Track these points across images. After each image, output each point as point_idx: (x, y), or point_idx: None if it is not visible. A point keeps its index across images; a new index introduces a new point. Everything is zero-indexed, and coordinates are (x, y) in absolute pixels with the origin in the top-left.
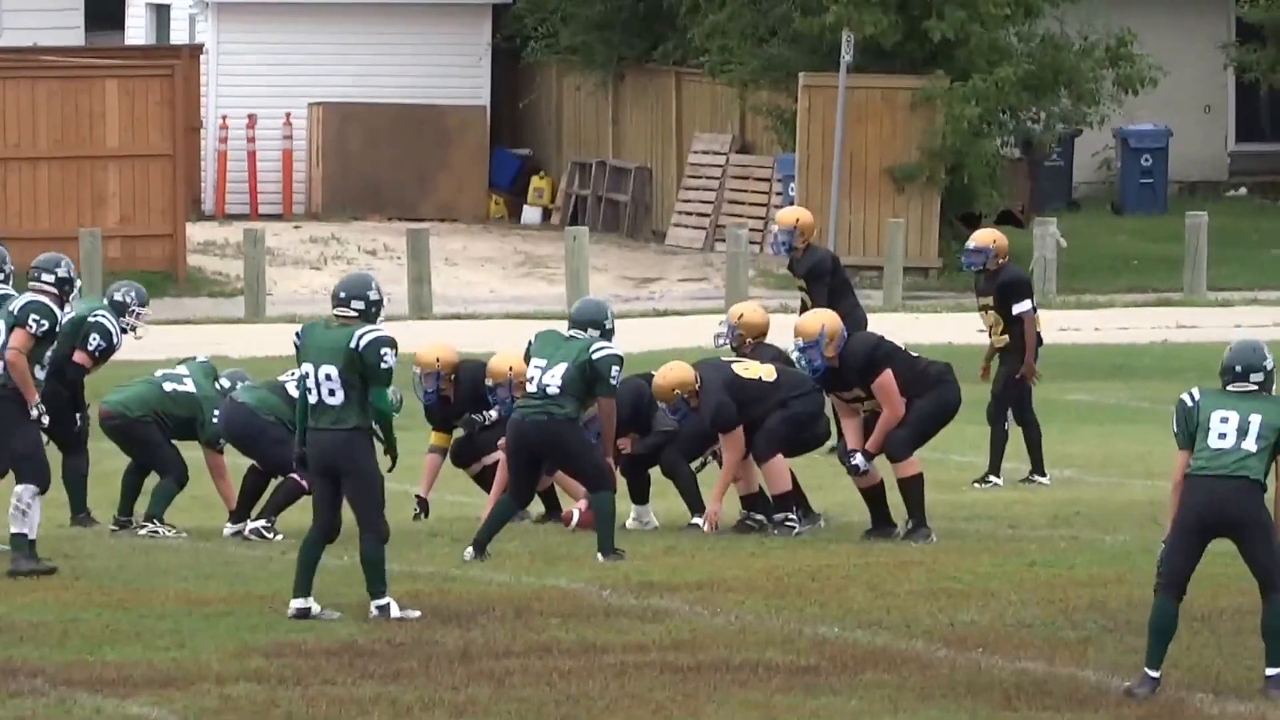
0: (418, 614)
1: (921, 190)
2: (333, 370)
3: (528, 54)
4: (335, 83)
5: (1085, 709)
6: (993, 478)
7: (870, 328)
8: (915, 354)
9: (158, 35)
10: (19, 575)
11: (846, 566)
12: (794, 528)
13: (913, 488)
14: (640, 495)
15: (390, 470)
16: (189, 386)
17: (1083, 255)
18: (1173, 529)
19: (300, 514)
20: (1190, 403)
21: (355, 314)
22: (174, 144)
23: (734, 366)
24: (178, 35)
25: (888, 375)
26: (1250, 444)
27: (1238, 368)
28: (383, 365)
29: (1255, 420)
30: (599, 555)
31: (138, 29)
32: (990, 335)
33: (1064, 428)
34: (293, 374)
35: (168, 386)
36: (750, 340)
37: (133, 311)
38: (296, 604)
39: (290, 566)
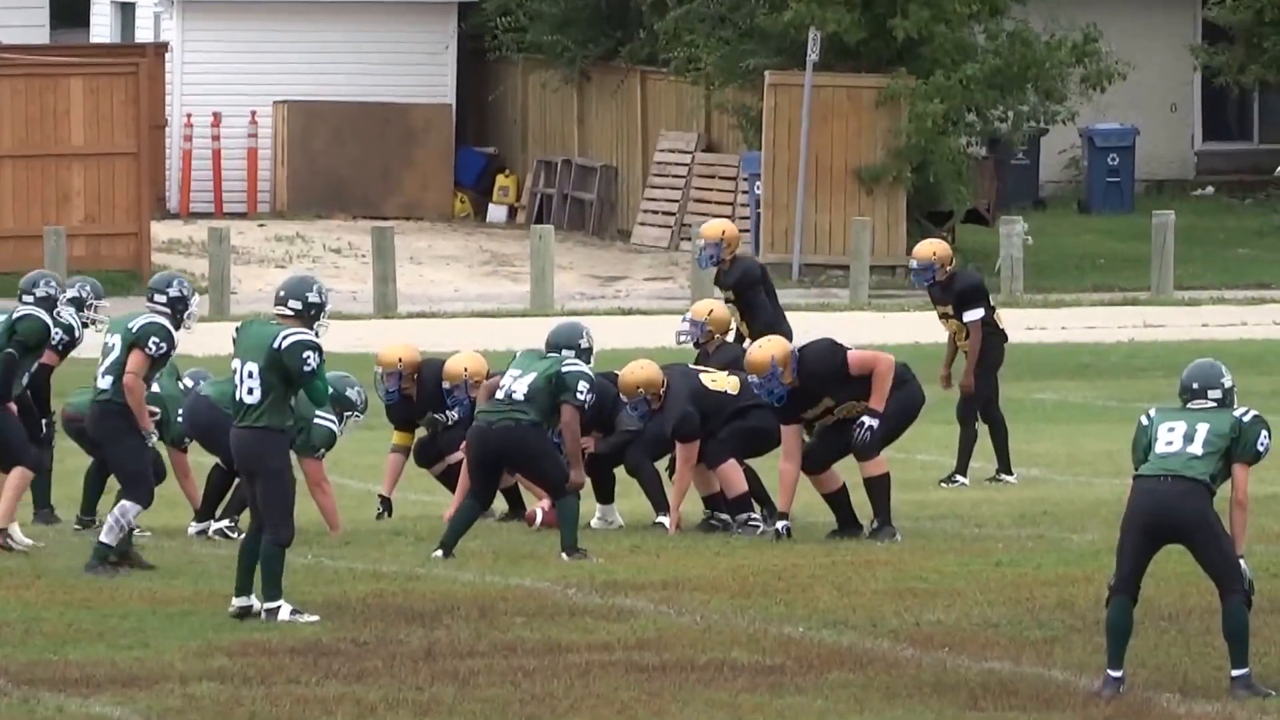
0: (315, 618)
1: (887, 188)
2: (254, 368)
3: (493, 50)
4: (300, 81)
5: (1051, 709)
6: (959, 477)
7: (835, 328)
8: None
9: (123, 33)
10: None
11: (812, 566)
12: (758, 527)
13: (879, 487)
14: (605, 495)
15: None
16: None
17: (1049, 254)
18: (1122, 530)
19: None
20: (1145, 421)
21: (292, 314)
22: (139, 142)
23: (702, 377)
24: (143, 33)
25: (863, 358)
26: (1196, 448)
27: (1195, 385)
28: (305, 369)
29: (1202, 429)
30: (563, 554)
31: (102, 27)
32: (955, 341)
33: (1030, 427)
34: None
35: None
36: (719, 336)
37: (90, 305)
38: (237, 602)
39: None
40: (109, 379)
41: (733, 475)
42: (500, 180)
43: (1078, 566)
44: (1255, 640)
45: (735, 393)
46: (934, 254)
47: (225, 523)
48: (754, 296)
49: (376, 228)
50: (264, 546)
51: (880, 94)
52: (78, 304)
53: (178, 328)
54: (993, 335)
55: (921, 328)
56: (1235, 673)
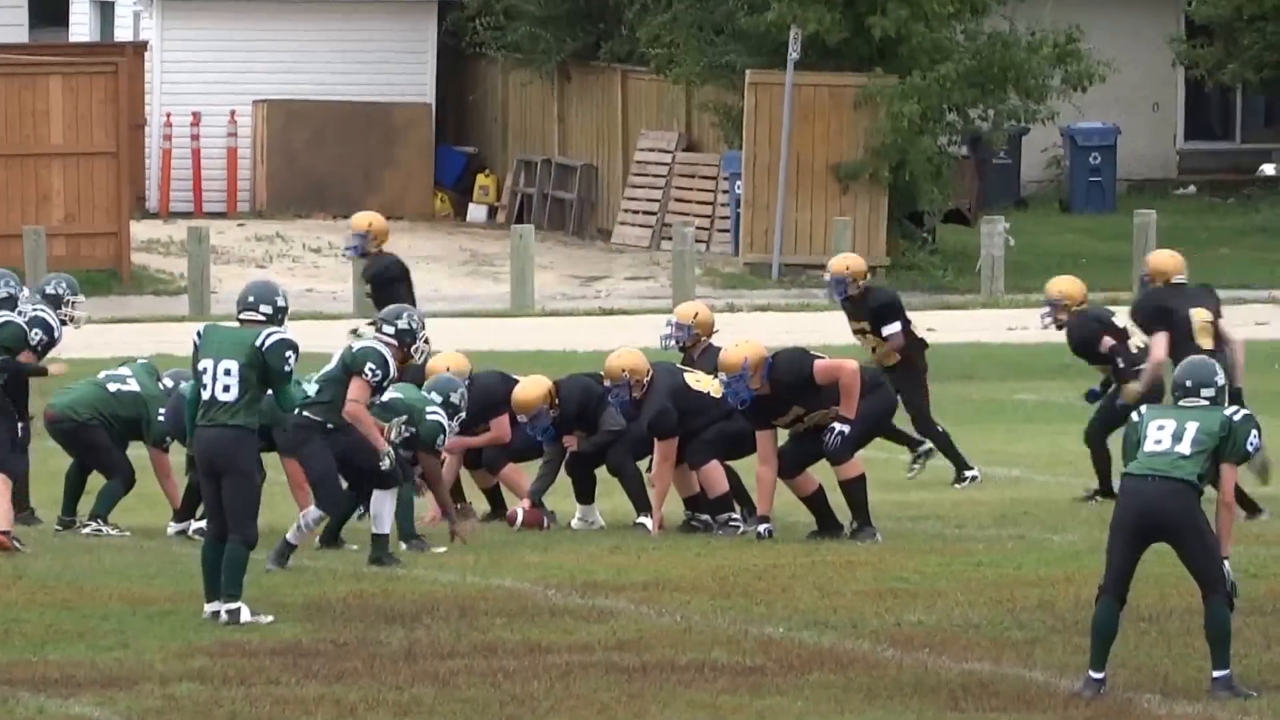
0: (270, 619)
1: (868, 188)
2: (233, 365)
3: (472, 49)
4: (280, 80)
5: (1032, 709)
6: (966, 473)
7: (815, 328)
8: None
9: (102, 32)
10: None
11: (793, 567)
12: (739, 527)
13: (855, 489)
14: (586, 495)
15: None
16: (133, 386)
17: (1031, 254)
18: (1110, 531)
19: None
20: (1136, 418)
21: (263, 318)
22: (118, 142)
23: (687, 376)
24: (122, 32)
25: (828, 367)
26: (1184, 448)
27: (1188, 383)
28: (285, 368)
29: (1191, 428)
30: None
31: (82, 26)
32: (875, 357)
33: (1011, 427)
34: None
35: (112, 387)
36: (704, 339)
37: (68, 302)
38: (210, 608)
39: None
40: (315, 388)
41: (714, 476)
42: (480, 180)
43: (1059, 567)
44: (1236, 641)
45: (719, 395)
46: (847, 268)
47: (205, 522)
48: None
49: None
50: (231, 548)
51: (858, 93)
52: (55, 302)
53: (403, 362)
54: (913, 345)
55: None
56: (1216, 674)
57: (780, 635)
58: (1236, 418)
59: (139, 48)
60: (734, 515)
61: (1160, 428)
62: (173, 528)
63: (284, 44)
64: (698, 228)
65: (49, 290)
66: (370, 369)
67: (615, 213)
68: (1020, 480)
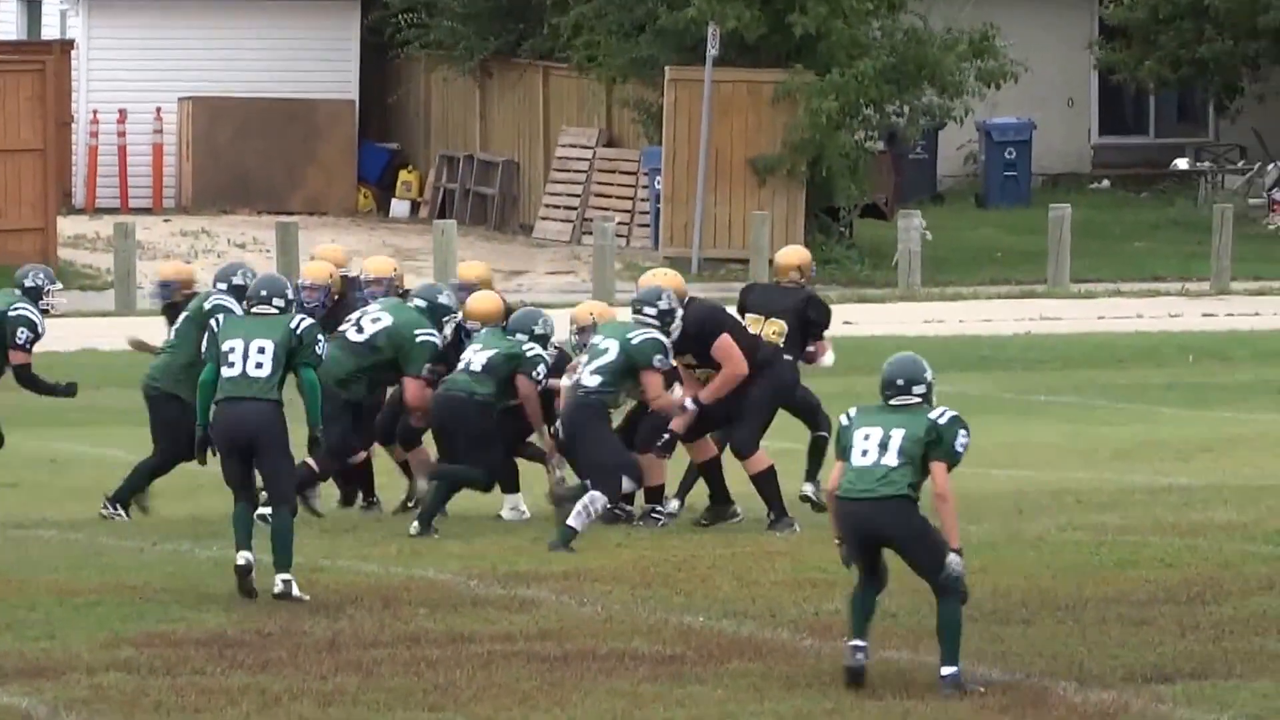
0: (306, 597)
1: (786, 183)
2: (268, 344)
3: (395, 46)
4: (205, 77)
5: (949, 696)
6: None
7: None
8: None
9: (29, 30)
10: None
11: (712, 557)
12: (660, 519)
13: (765, 482)
14: (511, 485)
15: (317, 439)
16: None
17: (947, 248)
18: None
19: (175, 503)
20: (845, 421)
21: (277, 310)
22: (45, 139)
23: None
24: (49, 30)
25: (725, 338)
26: (891, 458)
27: (899, 381)
28: (318, 349)
29: (897, 435)
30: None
31: (9, 24)
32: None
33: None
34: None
35: None
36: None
37: (47, 292)
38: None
39: (162, 558)
40: (597, 378)
41: (654, 465)
42: (403, 175)
43: (974, 557)
44: (1148, 629)
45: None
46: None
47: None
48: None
49: (280, 223)
50: (280, 518)
51: (777, 90)
52: (35, 294)
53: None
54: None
55: None
56: (945, 671)
57: (700, 624)
58: (943, 421)
59: (66, 46)
60: (658, 508)
61: (866, 437)
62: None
63: (209, 42)
64: (618, 222)
65: (28, 283)
66: (659, 360)
67: (537, 208)
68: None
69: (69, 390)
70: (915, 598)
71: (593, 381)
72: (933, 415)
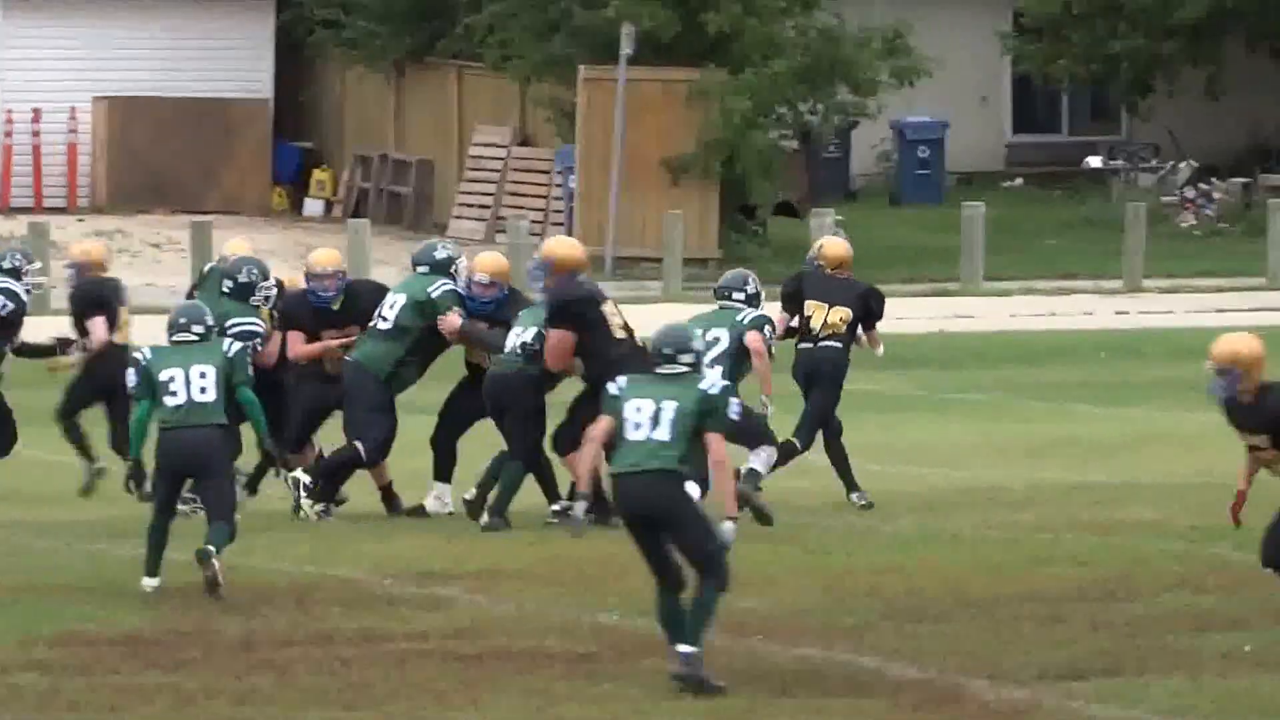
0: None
1: (699, 182)
2: (209, 369)
3: (310, 45)
4: (120, 77)
5: (862, 695)
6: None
7: (648, 320)
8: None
9: None
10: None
11: (625, 555)
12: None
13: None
14: (445, 473)
15: (270, 453)
16: None
17: (860, 246)
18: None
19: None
20: (615, 392)
21: (197, 337)
22: None
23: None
24: None
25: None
26: (663, 433)
27: (666, 349)
28: (249, 372)
29: (669, 408)
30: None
31: None
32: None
33: (844, 417)
34: None
35: None
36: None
37: (26, 271)
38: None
39: (78, 558)
40: (717, 368)
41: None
42: (317, 175)
43: (888, 555)
44: (1061, 626)
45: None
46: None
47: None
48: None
49: (195, 222)
50: (218, 531)
51: (691, 89)
52: (15, 274)
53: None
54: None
55: None
56: (682, 649)
57: (614, 622)
58: (714, 391)
59: None
60: (573, 505)
61: (638, 409)
62: None
63: (124, 41)
64: (532, 221)
65: (6, 264)
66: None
67: (451, 207)
68: (853, 469)
69: (64, 344)
70: (828, 596)
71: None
72: (703, 385)
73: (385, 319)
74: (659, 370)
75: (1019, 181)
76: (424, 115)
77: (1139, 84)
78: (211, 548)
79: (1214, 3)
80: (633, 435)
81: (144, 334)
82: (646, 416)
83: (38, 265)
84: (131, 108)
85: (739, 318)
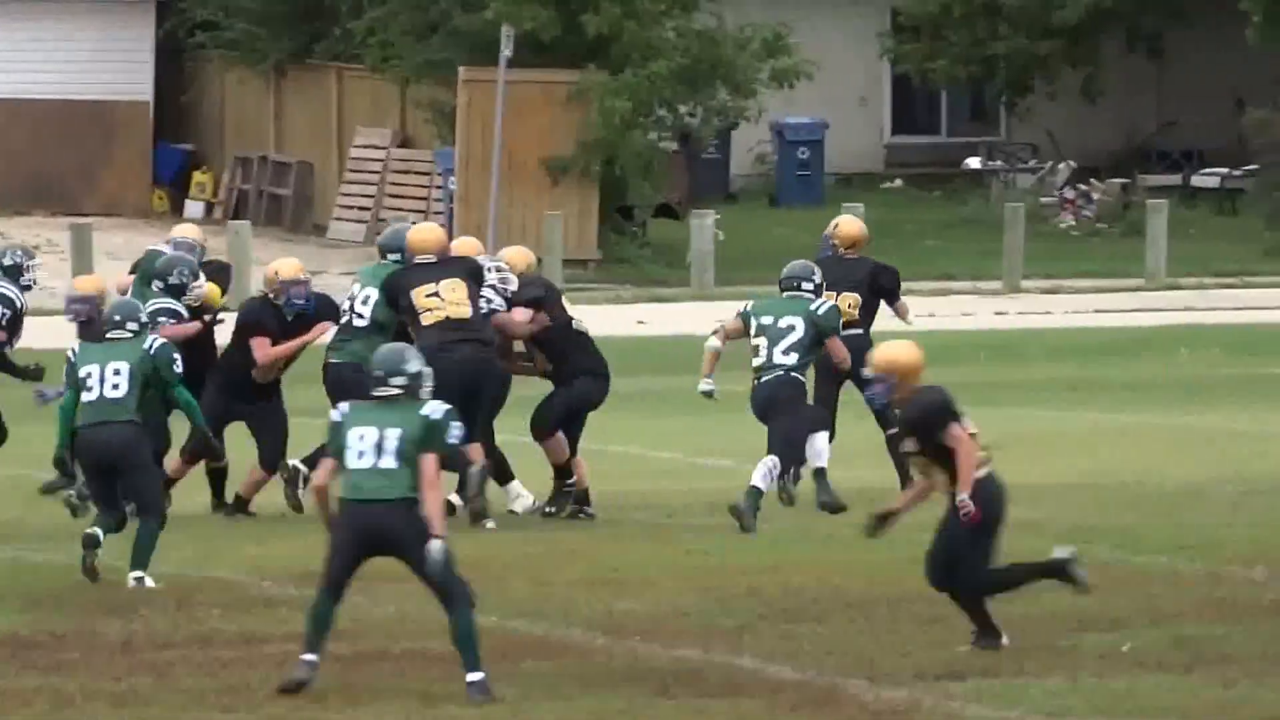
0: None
1: (579, 183)
2: (123, 366)
3: (191, 48)
4: (0, 79)
5: (740, 695)
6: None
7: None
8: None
9: None
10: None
11: (506, 556)
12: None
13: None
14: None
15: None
16: None
17: (740, 247)
18: (331, 538)
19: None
20: (338, 418)
21: (131, 334)
22: None
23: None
24: None
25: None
26: (389, 461)
27: (378, 372)
28: (175, 367)
29: (392, 435)
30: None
31: None
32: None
33: (721, 418)
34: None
35: None
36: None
37: (26, 268)
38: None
39: None
40: (794, 356)
41: (555, 447)
42: (198, 177)
43: (767, 556)
44: (939, 627)
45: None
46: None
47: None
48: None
49: (75, 224)
50: (148, 526)
51: (570, 90)
52: (15, 272)
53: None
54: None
55: (613, 321)
56: (470, 678)
57: (494, 624)
58: (435, 415)
59: None
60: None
61: (361, 437)
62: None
63: (4, 44)
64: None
65: (6, 262)
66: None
67: (331, 208)
68: (731, 470)
69: (36, 373)
70: (707, 597)
71: (790, 360)
72: (425, 411)
73: (361, 315)
74: (375, 394)
75: (898, 182)
76: (304, 117)
77: (1017, 85)
78: (98, 531)
79: (1092, 4)
80: (357, 464)
81: (29, 337)
82: (371, 444)
83: (38, 262)
84: (11, 110)
85: (812, 307)
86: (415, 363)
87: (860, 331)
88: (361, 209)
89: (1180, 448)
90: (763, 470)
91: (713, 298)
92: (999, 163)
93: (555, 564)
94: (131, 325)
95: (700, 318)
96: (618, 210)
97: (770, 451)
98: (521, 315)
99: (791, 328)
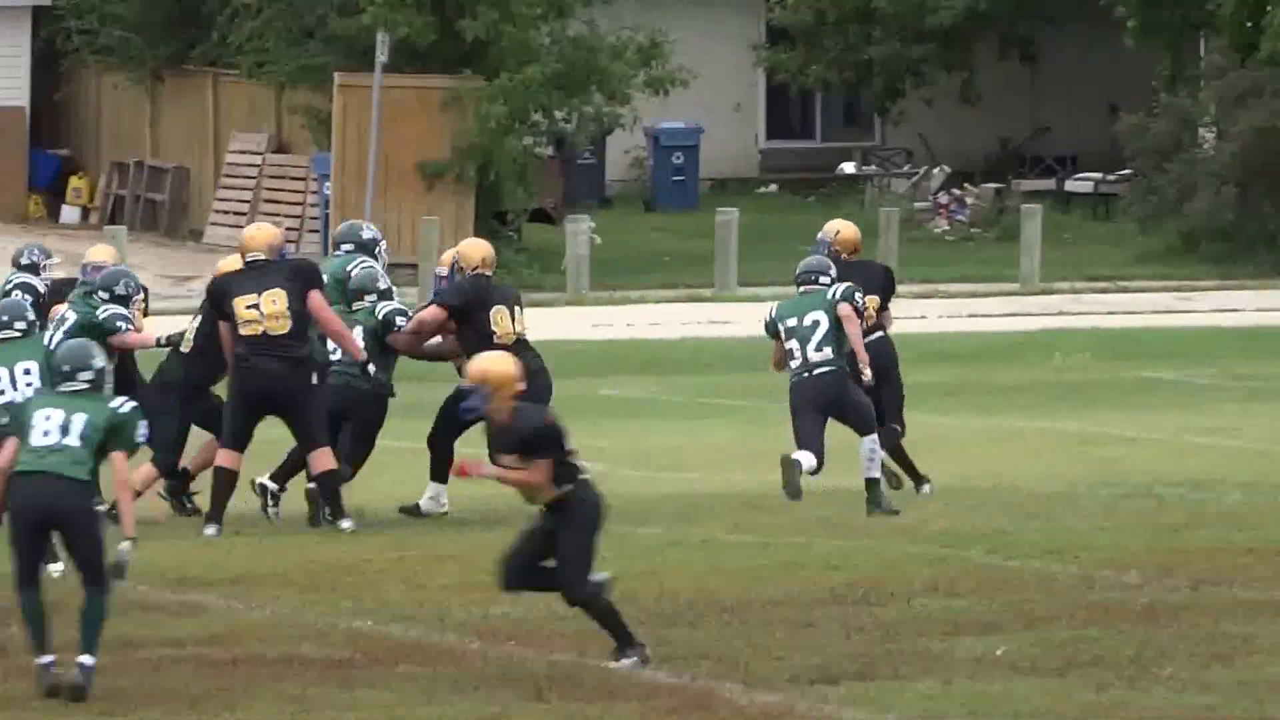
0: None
1: (455, 188)
2: (32, 366)
3: (67, 53)
4: None
5: (615, 699)
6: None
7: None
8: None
9: None
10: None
11: (381, 561)
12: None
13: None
14: (441, 474)
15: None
16: None
17: (615, 252)
18: (8, 528)
19: None
20: (24, 402)
21: (19, 334)
22: None
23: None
24: None
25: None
26: (73, 441)
27: (64, 368)
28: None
29: (78, 420)
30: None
31: None
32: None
33: (596, 422)
34: None
35: None
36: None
37: (44, 266)
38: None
39: None
40: (828, 350)
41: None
42: (73, 182)
43: (642, 560)
44: (813, 630)
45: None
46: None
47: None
48: None
49: None
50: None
51: (446, 95)
52: (34, 270)
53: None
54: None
55: None
56: (82, 659)
57: (368, 628)
58: (123, 410)
59: None
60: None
61: (48, 418)
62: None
63: None
64: (288, 228)
65: (24, 260)
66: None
67: (207, 213)
68: (605, 475)
69: None
70: None
71: (825, 354)
72: (113, 405)
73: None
74: (60, 389)
75: (773, 187)
76: (180, 122)
77: (891, 89)
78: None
79: (966, 9)
80: (41, 442)
81: None
82: (56, 425)
83: (56, 260)
84: None
85: (829, 294)
86: (100, 359)
87: (882, 334)
88: (237, 214)
89: (1053, 451)
90: (865, 460)
91: (587, 302)
92: (873, 168)
93: (430, 568)
94: (20, 324)
95: (575, 322)
96: (494, 215)
97: (865, 435)
98: (430, 315)
99: (817, 323)
